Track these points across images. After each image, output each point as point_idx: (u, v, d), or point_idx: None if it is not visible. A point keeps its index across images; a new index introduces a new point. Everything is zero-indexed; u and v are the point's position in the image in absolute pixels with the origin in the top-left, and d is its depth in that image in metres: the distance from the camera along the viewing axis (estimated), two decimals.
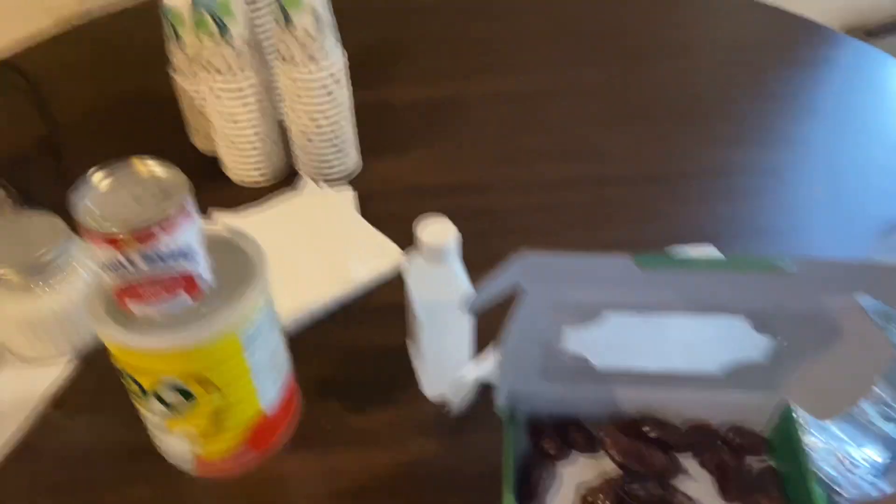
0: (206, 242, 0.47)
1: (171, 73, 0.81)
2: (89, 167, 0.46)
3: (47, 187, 0.68)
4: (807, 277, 0.43)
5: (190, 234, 0.45)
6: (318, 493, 0.55)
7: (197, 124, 0.84)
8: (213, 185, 0.82)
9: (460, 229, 0.52)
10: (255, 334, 0.49)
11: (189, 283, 0.46)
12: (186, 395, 0.49)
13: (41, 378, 0.62)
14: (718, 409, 0.54)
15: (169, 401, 0.49)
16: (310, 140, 0.78)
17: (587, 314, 0.47)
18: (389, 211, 0.76)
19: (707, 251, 0.70)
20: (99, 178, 0.45)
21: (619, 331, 0.48)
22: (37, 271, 0.59)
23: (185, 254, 0.45)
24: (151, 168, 0.45)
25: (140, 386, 0.49)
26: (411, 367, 0.62)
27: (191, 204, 0.45)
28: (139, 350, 0.46)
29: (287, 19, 0.70)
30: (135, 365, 0.47)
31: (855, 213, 0.76)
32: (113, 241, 0.42)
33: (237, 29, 0.71)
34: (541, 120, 0.90)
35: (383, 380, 0.62)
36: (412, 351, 0.62)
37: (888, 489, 0.51)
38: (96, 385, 0.62)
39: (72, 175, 0.47)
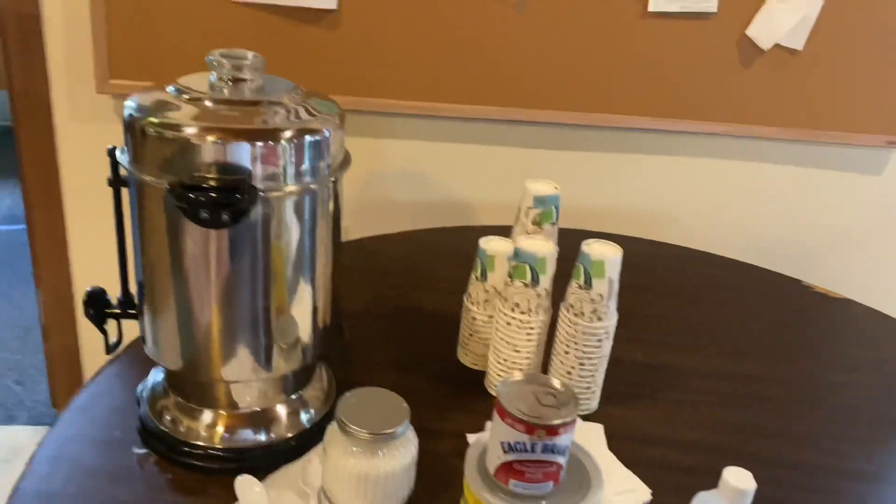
0: None
1: (467, 301, 1.01)
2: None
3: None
4: None
5: (571, 436, 0.59)
6: None
7: (471, 344, 1.02)
8: (474, 396, 0.98)
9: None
10: None
11: (557, 473, 0.60)
12: None
13: None
14: None
15: None
16: (570, 378, 0.94)
17: None
18: (620, 453, 0.89)
19: None
20: (516, 379, 0.61)
21: None
22: (383, 439, 0.74)
23: (563, 451, 0.59)
24: (551, 381, 0.61)
25: None
26: None
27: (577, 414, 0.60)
28: None
29: (588, 282, 0.89)
30: None
31: None
32: (530, 429, 0.57)
33: (545, 281, 0.90)
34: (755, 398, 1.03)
35: None
36: None
37: None
38: None
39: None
